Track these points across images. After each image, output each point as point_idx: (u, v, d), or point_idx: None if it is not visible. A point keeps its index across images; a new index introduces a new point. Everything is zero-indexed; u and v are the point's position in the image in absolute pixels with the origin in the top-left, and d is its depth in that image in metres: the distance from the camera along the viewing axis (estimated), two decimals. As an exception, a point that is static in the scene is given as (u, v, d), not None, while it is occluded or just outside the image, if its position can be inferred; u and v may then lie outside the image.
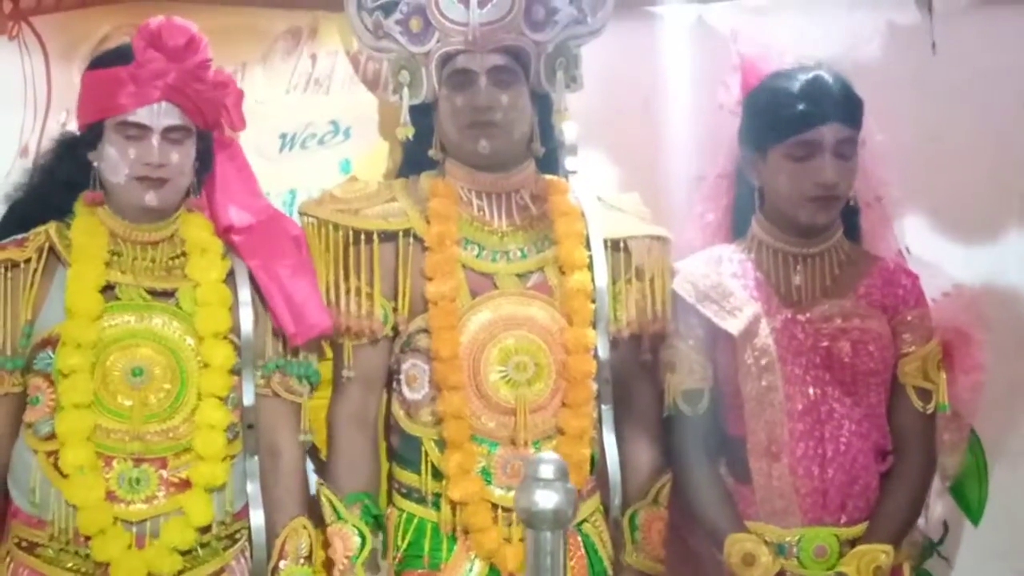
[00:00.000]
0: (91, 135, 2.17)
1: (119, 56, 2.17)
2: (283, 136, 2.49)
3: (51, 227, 2.18)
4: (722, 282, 2.40)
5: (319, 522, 2.34)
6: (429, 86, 2.32)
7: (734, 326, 2.36)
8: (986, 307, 2.57)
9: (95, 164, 2.17)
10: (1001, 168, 2.70)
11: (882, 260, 2.47)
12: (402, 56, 2.33)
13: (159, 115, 2.13)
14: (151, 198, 2.15)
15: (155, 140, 2.13)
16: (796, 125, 2.33)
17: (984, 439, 2.67)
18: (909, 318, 2.41)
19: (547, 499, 1.45)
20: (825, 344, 2.36)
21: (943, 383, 2.42)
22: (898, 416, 2.42)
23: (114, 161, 2.14)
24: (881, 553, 2.32)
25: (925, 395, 2.41)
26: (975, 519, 2.69)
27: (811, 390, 2.36)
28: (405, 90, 2.32)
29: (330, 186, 2.38)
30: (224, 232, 2.24)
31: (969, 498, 2.69)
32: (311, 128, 2.50)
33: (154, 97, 2.12)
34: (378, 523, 2.29)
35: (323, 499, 2.27)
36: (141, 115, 2.12)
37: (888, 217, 2.54)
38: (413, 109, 2.33)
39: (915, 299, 2.44)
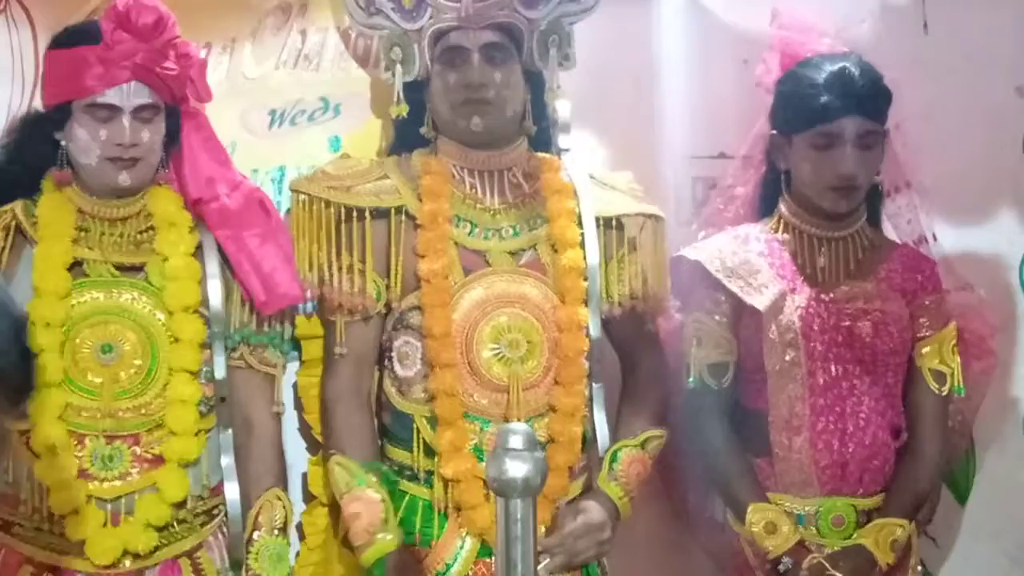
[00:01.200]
0: (59, 115, 2.14)
1: (84, 35, 2.15)
2: (272, 112, 2.48)
3: (17, 205, 2.17)
4: (749, 259, 2.43)
5: (308, 497, 2.36)
6: (421, 63, 2.32)
7: (760, 302, 2.38)
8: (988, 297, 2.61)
9: (63, 143, 2.16)
10: (991, 147, 2.69)
11: (902, 246, 2.52)
12: (394, 33, 2.32)
13: (129, 95, 2.12)
14: (124, 178, 2.14)
15: (126, 120, 2.12)
16: (819, 116, 2.35)
17: (975, 423, 2.67)
18: (927, 303, 2.45)
19: (516, 468, 1.47)
20: (847, 324, 2.39)
21: (958, 367, 2.46)
22: (914, 396, 2.45)
23: (85, 142, 2.13)
24: (898, 527, 2.36)
25: (940, 377, 2.44)
26: (962, 499, 2.70)
27: (832, 367, 2.40)
28: (398, 67, 2.32)
29: (320, 163, 2.38)
30: (194, 204, 2.23)
31: (957, 479, 2.70)
32: (301, 105, 2.49)
33: (123, 78, 2.11)
34: (392, 493, 2.28)
35: (336, 468, 2.24)
36: (111, 96, 2.11)
37: (915, 206, 2.58)
38: (405, 86, 2.33)
39: (933, 285, 2.48)
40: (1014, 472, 2.69)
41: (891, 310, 2.42)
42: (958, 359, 2.46)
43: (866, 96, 2.36)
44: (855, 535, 2.38)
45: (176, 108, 2.20)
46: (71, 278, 2.13)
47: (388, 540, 2.19)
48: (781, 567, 2.36)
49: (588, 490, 2.36)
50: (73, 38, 2.16)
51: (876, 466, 2.40)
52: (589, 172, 2.43)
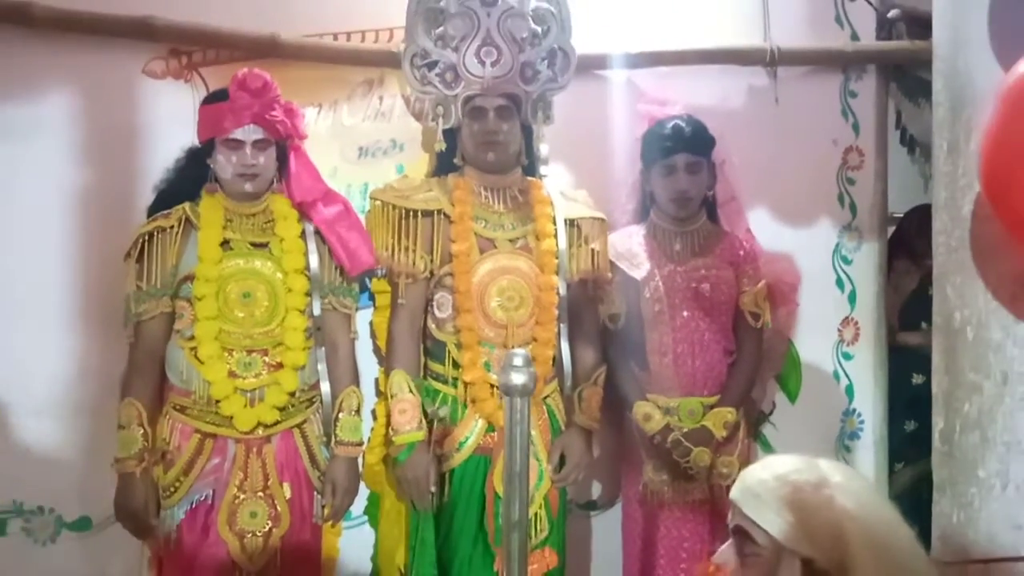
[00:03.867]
0: (208, 147, 2.20)
1: (221, 96, 2.19)
2: (360, 148, 2.50)
3: (185, 206, 2.21)
4: (632, 248, 2.50)
5: (377, 392, 2.39)
6: (456, 117, 2.34)
7: (638, 274, 2.47)
8: (797, 266, 2.69)
9: (212, 166, 2.20)
10: (817, 180, 2.78)
11: (730, 234, 2.57)
12: (438, 96, 2.34)
13: (249, 133, 2.16)
14: (248, 186, 2.19)
15: (248, 149, 2.16)
16: (662, 154, 2.44)
17: (800, 348, 2.76)
18: (747, 269, 2.53)
19: (518, 377, 1.49)
20: (694, 285, 2.48)
21: (767, 310, 2.55)
22: (739, 330, 2.54)
23: (223, 164, 2.18)
24: (728, 413, 2.44)
25: (755, 317, 2.53)
26: (792, 400, 2.77)
27: (685, 313, 2.48)
28: (440, 119, 2.34)
29: (390, 181, 2.40)
30: (297, 205, 2.25)
31: (789, 386, 2.76)
32: (379, 144, 2.51)
33: (245, 121, 2.16)
34: (430, 396, 2.32)
35: (395, 376, 2.27)
36: (237, 134, 2.16)
37: (741, 210, 2.64)
38: (444, 132, 2.35)
39: (751, 258, 2.55)
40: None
41: (723, 275, 2.49)
42: (767, 304, 2.55)
43: (692, 139, 2.42)
44: (702, 421, 2.44)
45: (284, 143, 2.23)
46: (222, 251, 2.19)
47: (419, 434, 2.24)
48: (655, 440, 2.41)
49: (556, 391, 2.39)
50: (215, 97, 2.21)
51: (715, 376, 2.47)
52: (560, 190, 2.47)
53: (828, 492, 1.20)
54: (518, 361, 1.51)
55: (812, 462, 1.26)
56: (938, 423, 0.95)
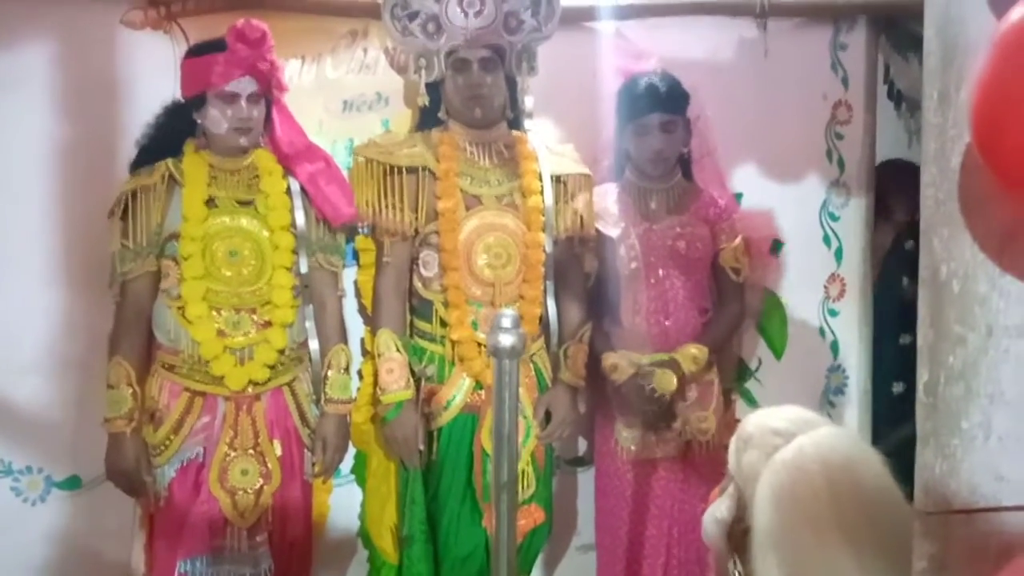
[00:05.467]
0: (197, 101, 2.15)
1: (211, 47, 2.14)
2: (345, 102, 2.45)
3: (168, 162, 2.17)
4: (607, 206, 2.48)
5: (363, 352, 2.39)
6: (439, 70, 2.31)
7: (614, 233, 2.46)
8: (773, 222, 2.68)
9: (200, 121, 2.16)
10: (806, 135, 2.74)
11: (705, 191, 2.55)
12: (421, 49, 2.31)
13: (244, 85, 2.13)
14: (243, 140, 2.17)
15: (243, 102, 2.13)
16: (637, 113, 2.40)
17: (787, 305, 2.75)
18: (723, 225, 2.52)
19: (507, 339, 1.49)
20: (670, 243, 2.46)
21: (745, 264, 2.55)
22: (720, 284, 2.53)
23: (216, 118, 2.14)
24: (696, 349, 2.41)
25: (735, 271, 2.53)
26: (778, 356, 2.77)
27: (660, 271, 2.46)
28: (423, 72, 2.32)
29: (373, 136, 2.38)
30: (282, 159, 2.23)
31: (775, 342, 2.76)
32: (363, 97, 2.46)
33: (240, 74, 2.12)
34: (416, 355, 2.33)
35: (382, 336, 2.27)
36: (233, 86, 2.12)
37: (716, 166, 2.61)
38: (427, 85, 2.33)
39: (726, 215, 2.53)
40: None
41: (698, 233, 2.47)
42: (746, 259, 2.54)
43: (666, 98, 2.38)
44: (671, 355, 2.38)
45: (270, 98, 2.20)
46: (207, 209, 2.16)
47: (406, 392, 2.24)
48: (624, 390, 2.40)
49: (543, 348, 2.40)
50: (202, 49, 2.16)
51: (688, 334, 2.44)
52: (546, 144, 2.45)
53: (779, 441, 1.20)
54: (507, 323, 1.50)
55: (800, 416, 1.25)
56: (922, 376, 0.95)
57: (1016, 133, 0.86)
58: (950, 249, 0.95)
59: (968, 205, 0.93)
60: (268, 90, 2.18)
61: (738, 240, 2.53)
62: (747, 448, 1.24)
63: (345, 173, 2.35)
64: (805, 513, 1.14)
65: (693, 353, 2.42)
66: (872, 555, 1.11)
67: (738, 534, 1.24)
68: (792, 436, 1.20)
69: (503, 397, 1.49)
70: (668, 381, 2.37)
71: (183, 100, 2.19)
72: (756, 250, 2.65)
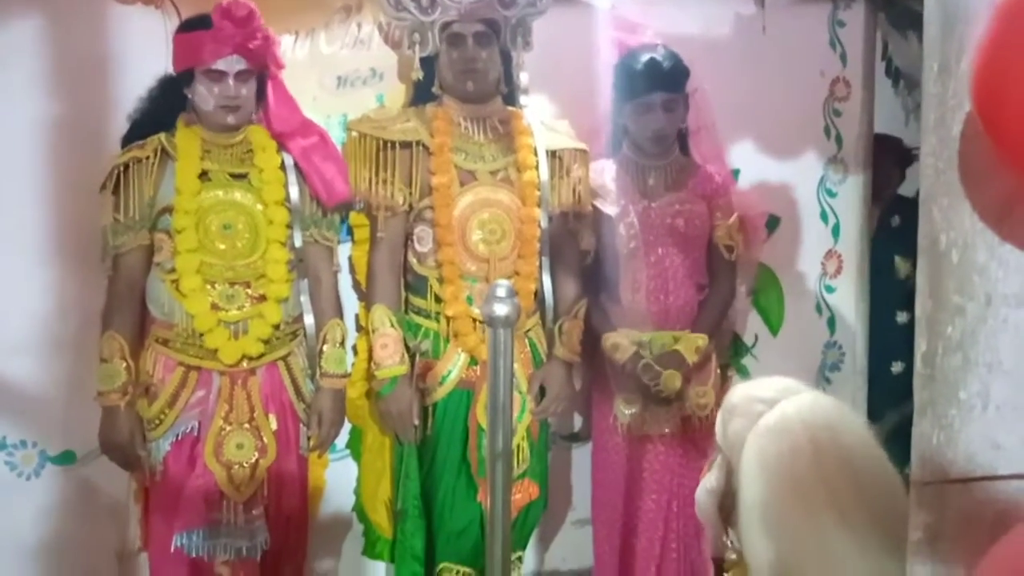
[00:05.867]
0: (186, 77, 2.14)
1: (200, 23, 2.12)
2: (339, 78, 2.45)
3: (160, 136, 2.16)
4: (605, 183, 2.46)
5: (358, 327, 2.37)
6: (433, 44, 2.30)
7: (612, 211, 2.45)
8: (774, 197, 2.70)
9: (190, 96, 2.15)
10: (804, 112, 2.75)
11: (703, 167, 2.54)
12: (415, 23, 2.30)
13: (232, 63, 2.11)
14: (231, 118, 2.15)
15: (231, 80, 2.11)
16: (638, 92, 2.38)
17: (783, 281, 2.76)
18: (720, 202, 2.51)
19: (501, 308, 1.50)
20: (668, 220, 2.46)
21: (739, 242, 2.54)
22: (713, 263, 2.53)
23: (204, 95, 2.13)
24: (699, 339, 2.44)
25: (728, 249, 2.52)
26: (774, 332, 2.79)
27: (659, 249, 2.46)
28: (416, 47, 2.30)
29: (367, 111, 2.37)
30: (276, 136, 2.23)
31: (771, 319, 2.78)
32: (357, 73, 2.46)
33: (228, 51, 2.10)
34: (411, 331, 2.33)
35: (376, 311, 2.26)
36: (220, 64, 2.10)
37: (713, 139, 2.59)
38: (421, 60, 2.32)
39: (723, 191, 2.53)
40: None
41: (696, 210, 2.47)
42: (740, 236, 2.54)
43: (669, 76, 2.36)
44: (674, 346, 2.42)
45: (264, 74, 2.19)
46: (200, 183, 2.15)
47: (401, 367, 2.24)
48: (626, 368, 2.39)
49: (538, 324, 2.40)
50: (193, 24, 2.14)
51: (687, 311, 2.46)
52: (541, 119, 2.43)
53: (763, 408, 1.20)
54: (501, 292, 1.50)
55: (784, 385, 1.25)
56: (921, 346, 0.95)
57: (1017, 102, 0.85)
58: (949, 219, 0.94)
59: (968, 174, 0.91)
60: (261, 67, 2.17)
61: (734, 218, 2.53)
62: (732, 418, 1.24)
63: (340, 149, 2.34)
64: (789, 473, 1.13)
65: (696, 343, 2.43)
66: (856, 513, 1.11)
67: (729, 507, 1.24)
68: (776, 403, 1.20)
69: (498, 367, 1.49)
70: (675, 382, 2.38)
71: (175, 75, 2.18)
72: (752, 226, 2.65)
